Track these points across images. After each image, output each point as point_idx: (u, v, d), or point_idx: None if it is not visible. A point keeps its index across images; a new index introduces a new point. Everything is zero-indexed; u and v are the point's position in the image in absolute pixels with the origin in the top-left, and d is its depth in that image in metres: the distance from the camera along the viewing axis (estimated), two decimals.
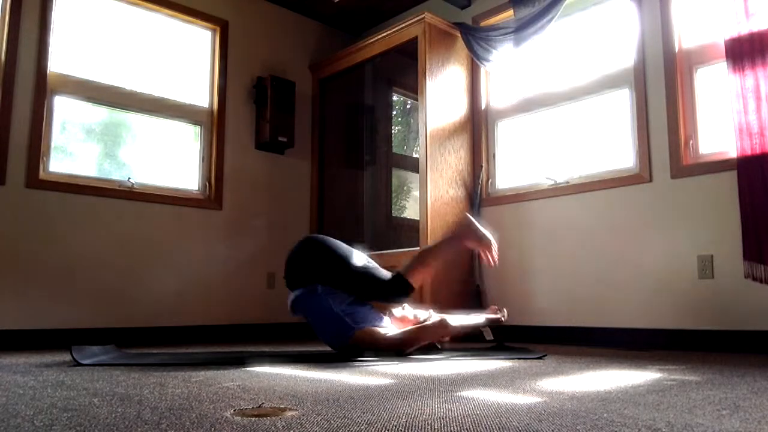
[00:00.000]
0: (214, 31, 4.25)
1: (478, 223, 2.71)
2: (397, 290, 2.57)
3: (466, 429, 1.05)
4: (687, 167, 3.05)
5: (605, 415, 1.17)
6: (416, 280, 2.58)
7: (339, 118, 4.71)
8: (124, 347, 2.86)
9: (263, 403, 1.33)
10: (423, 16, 3.85)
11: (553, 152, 3.70)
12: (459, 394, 1.47)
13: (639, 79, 3.26)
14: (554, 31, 3.58)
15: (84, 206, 3.46)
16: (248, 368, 2.07)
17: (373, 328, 2.48)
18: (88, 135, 3.70)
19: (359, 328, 2.45)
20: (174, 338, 3.67)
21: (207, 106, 4.15)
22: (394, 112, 4.79)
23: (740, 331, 2.78)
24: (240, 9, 4.34)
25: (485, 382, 1.69)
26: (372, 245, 4.15)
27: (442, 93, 3.88)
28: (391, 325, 2.61)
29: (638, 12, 3.29)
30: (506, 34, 3.66)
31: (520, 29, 3.58)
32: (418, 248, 3.69)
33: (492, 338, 3.58)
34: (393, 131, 4.72)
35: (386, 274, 2.61)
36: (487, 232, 2.67)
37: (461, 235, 2.70)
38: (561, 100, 3.64)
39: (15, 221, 3.24)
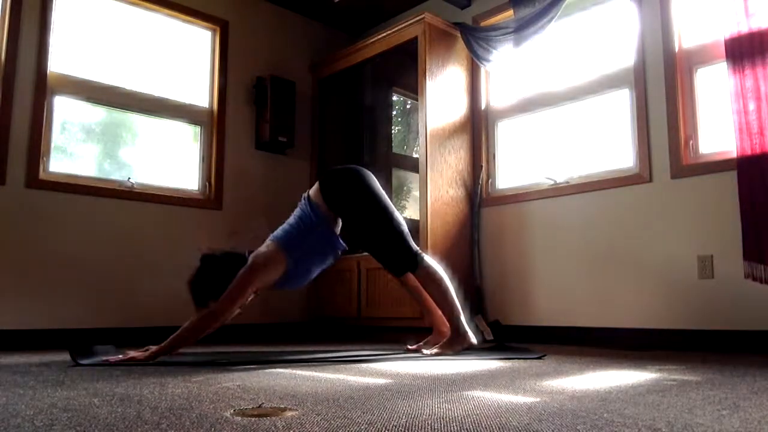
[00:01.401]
0: (214, 31, 4.25)
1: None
2: (407, 264, 2.66)
3: (466, 429, 1.05)
4: (687, 167, 3.05)
5: (605, 415, 1.17)
6: (421, 275, 2.65)
7: (339, 118, 4.71)
8: (124, 347, 2.86)
9: (263, 403, 1.33)
10: (423, 16, 3.85)
11: (553, 152, 3.70)
12: (459, 394, 1.47)
13: (639, 79, 3.26)
14: (554, 31, 3.57)
15: (84, 206, 3.46)
16: (248, 368, 2.07)
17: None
18: (88, 135, 3.70)
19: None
20: None
21: (207, 106, 4.15)
22: (394, 112, 4.80)
23: (740, 331, 2.78)
24: (240, 9, 4.34)
25: (485, 382, 1.69)
26: None
27: (442, 93, 3.88)
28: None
29: (638, 12, 3.29)
30: (506, 34, 3.66)
31: (520, 29, 3.58)
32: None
33: (492, 338, 3.58)
34: (393, 131, 4.72)
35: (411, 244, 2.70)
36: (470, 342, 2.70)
37: (458, 339, 2.66)
38: (561, 100, 3.64)
39: (15, 221, 3.24)
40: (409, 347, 2.81)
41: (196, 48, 4.19)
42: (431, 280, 2.66)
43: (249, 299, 2.52)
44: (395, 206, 2.60)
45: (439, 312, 2.73)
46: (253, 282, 2.44)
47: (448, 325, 2.70)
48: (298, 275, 2.58)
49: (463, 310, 2.72)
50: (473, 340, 2.68)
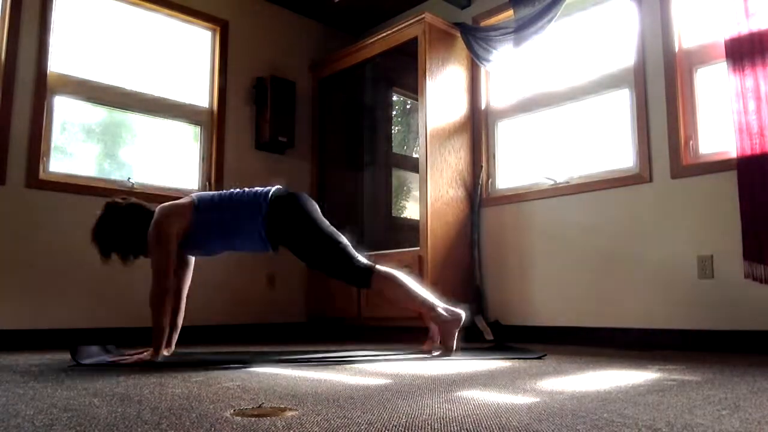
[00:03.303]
0: (214, 31, 4.25)
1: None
2: (359, 280, 2.54)
3: (466, 429, 1.05)
4: (687, 167, 3.05)
5: (605, 415, 1.17)
6: (378, 288, 2.54)
7: (339, 118, 4.71)
8: (124, 347, 2.86)
9: (263, 403, 1.33)
10: (423, 16, 3.85)
11: (553, 152, 3.70)
12: (459, 394, 1.47)
13: (639, 79, 3.26)
14: (554, 31, 3.57)
15: (84, 206, 3.45)
16: (248, 368, 2.07)
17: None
18: (88, 135, 3.70)
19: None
20: None
21: (207, 106, 4.15)
22: (394, 112, 4.79)
23: (740, 331, 2.78)
24: (240, 9, 4.34)
25: (485, 382, 1.69)
26: (372, 245, 4.15)
27: (442, 93, 3.88)
28: None
29: (638, 12, 3.29)
30: (506, 34, 3.66)
31: (520, 29, 3.58)
32: (417, 248, 3.69)
33: (492, 338, 3.58)
34: (393, 131, 4.72)
35: (358, 257, 2.58)
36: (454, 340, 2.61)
37: (448, 327, 2.59)
38: (561, 100, 3.64)
39: (15, 221, 3.24)
40: (423, 349, 2.70)
41: (196, 48, 4.19)
42: (389, 286, 2.55)
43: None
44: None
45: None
46: (166, 227, 2.39)
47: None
48: (198, 237, 2.50)
49: (469, 310, 2.64)
50: (462, 314, 2.60)
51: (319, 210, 2.65)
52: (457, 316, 2.60)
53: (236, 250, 2.68)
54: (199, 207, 2.49)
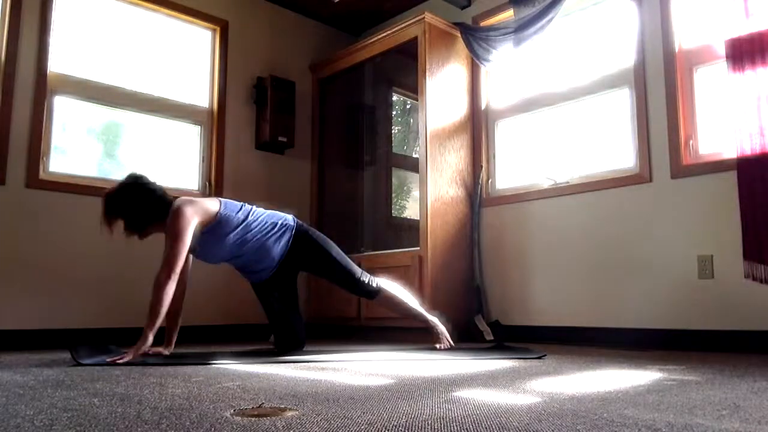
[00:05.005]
0: (214, 31, 4.25)
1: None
2: (366, 293, 2.90)
3: (466, 429, 1.05)
4: (687, 167, 3.05)
5: (605, 415, 1.17)
6: (382, 298, 2.91)
7: (339, 118, 4.71)
8: (124, 347, 2.86)
9: (263, 403, 1.33)
10: (423, 16, 3.85)
11: (553, 152, 3.70)
12: (459, 394, 1.48)
13: (639, 79, 3.26)
14: (554, 31, 3.57)
15: (84, 206, 3.46)
16: (248, 368, 2.07)
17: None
18: (88, 135, 3.70)
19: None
20: None
21: (207, 106, 4.15)
22: (394, 112, 4.79)
23: (740, 331, 2.78)
24: (240, 9, 4.34)
25: (485, 382, 1.69)
26: (372, 245, 4.15)
27: (442, 93, 3.88)
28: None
29: (638, 12, 3.29)
30: (506, 34, 3.66)
31: (520, 29, 3.58)
32: (417, 248, 3.70)
33: (492, 338, 3.58)
34: (393, 131, 4.72)
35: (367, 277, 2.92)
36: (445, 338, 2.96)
37: (438, 336, 2.95)
38: (561, 100, 3.64)
39: (15, 221, 3.24)
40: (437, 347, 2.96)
41: (196, 48, 4.19)
42: (388, 303, 2.94)
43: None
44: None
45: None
46: (189, 219, 2.45)
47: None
48: (214, 240, 2.59)
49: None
50: (443, 330, 2.97)
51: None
52: (442, 333, 2.96)
53: (236, 266, 2.86)
54: (223, 217, 2.59)
